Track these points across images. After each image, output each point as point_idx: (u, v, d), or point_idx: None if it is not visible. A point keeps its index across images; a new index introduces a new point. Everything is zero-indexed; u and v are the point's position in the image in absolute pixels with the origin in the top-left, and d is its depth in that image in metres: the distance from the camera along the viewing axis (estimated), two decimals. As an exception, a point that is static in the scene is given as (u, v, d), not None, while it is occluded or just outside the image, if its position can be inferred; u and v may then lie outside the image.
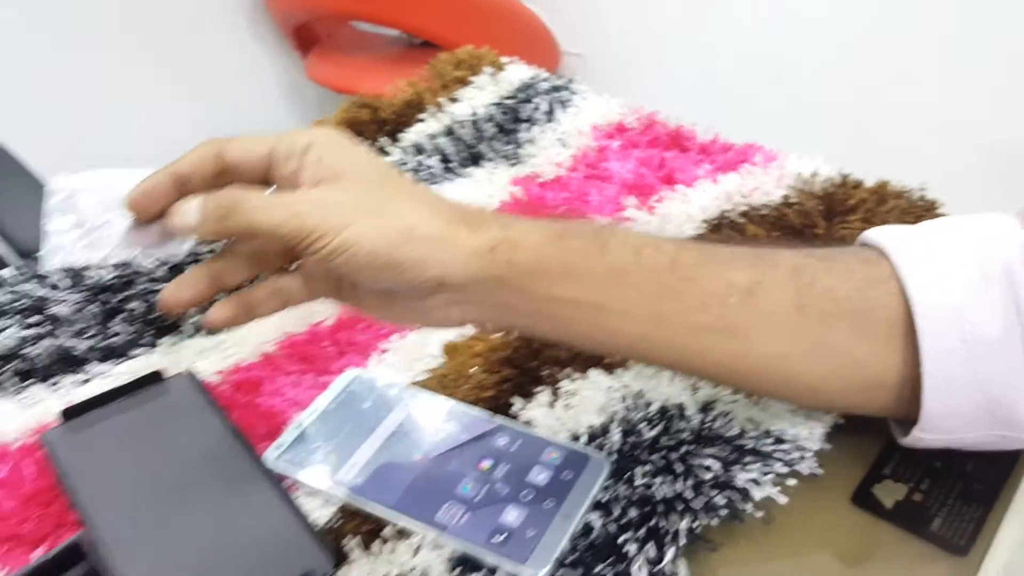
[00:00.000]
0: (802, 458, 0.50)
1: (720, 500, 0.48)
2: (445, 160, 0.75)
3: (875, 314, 0.45)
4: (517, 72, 0.85)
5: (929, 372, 0.43)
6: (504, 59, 0.87)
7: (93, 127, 1.61)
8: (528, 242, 0.44)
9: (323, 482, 0.49)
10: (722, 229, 0.66)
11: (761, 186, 0.70)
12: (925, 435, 0.46)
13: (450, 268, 0.42)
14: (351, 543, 0.46)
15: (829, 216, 0.66)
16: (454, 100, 0.82)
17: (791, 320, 0.45)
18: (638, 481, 0.48)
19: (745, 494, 0.48)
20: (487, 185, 0.72)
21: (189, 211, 0.42)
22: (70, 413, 0.52)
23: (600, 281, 0.44)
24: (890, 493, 0.50)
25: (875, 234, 0.49)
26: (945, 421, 0.45)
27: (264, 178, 0.45)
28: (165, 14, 1.71)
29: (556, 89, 0.83)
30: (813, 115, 1.67)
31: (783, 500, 0.49)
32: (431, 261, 0.42)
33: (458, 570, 0.44)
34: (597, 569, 0.44)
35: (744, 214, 0.68)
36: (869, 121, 1.66)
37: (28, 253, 0.89)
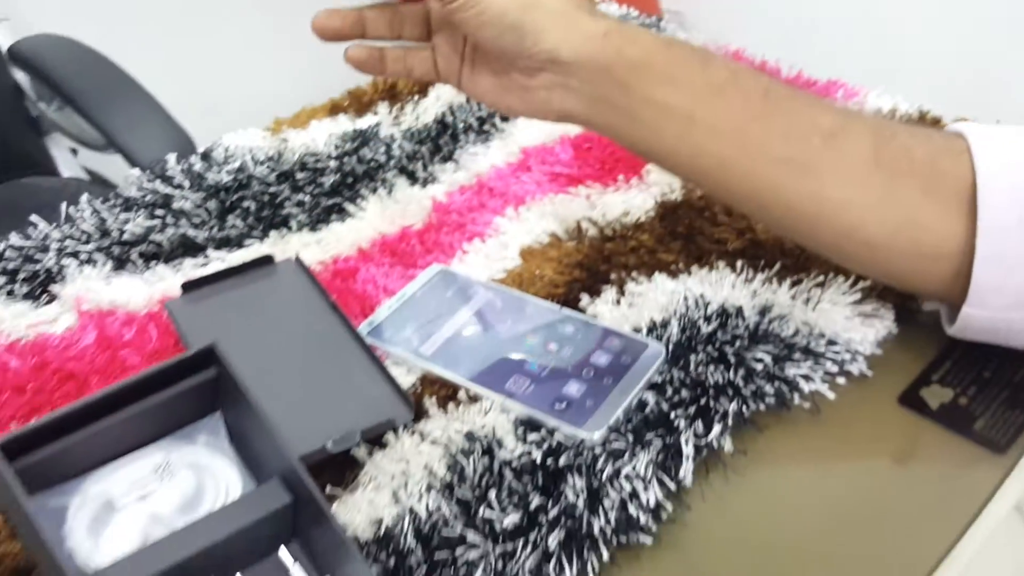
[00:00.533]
0: (853, 359, 0.53)
1: (769, 389, 0.51)
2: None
3: (945, 181, 0.47)
4: (610, 9, 0.89)
5: (983, 244, 0.46)
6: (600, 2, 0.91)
7: (219, 73, 1.71)
8: (639, 39, 0.48)
9: (407, 353, 0.54)
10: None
11: (838, 119, 0.72)
12: (973, 310, 0.48)
13: (565, 43, 0.47)
14: (429, 403, 0.52)
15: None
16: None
17: (866, 169, 0.47)
18: (692, 368, 0.52)
19: (794, 386, 0.51)
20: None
21: None
22: (189, 286, 0.59)
23: (697, 92, 0.48)
24: (937, 396, 0.52)
25: (959, 125, 0.51)
26: (995, 296, 0.47)
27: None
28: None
29: (647, 26, 0.86)
30: (918, 71, 1.64)
31: (831, 396, 0.52)
32: (551, 31, 0.47)
33: (521, 429, 0.49)
34: (647, 437, 0.48)
35: (819, 144, 0.70)
36: (981, 75, 1.62)
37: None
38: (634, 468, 0.47)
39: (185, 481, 0.42)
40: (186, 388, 0.42)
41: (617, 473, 0.47)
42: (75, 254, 0.64)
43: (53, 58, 1.25)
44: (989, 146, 0.47)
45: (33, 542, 0.38)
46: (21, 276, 0.63)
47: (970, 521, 0.46)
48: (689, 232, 0.63)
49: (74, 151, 1.40)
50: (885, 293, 0.56)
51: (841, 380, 0.53)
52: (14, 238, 0.66)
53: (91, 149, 1.35)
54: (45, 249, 0.65)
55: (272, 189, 0.70)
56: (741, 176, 0.49)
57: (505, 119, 0.76)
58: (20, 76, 1.31)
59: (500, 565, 0.43)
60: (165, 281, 0.62)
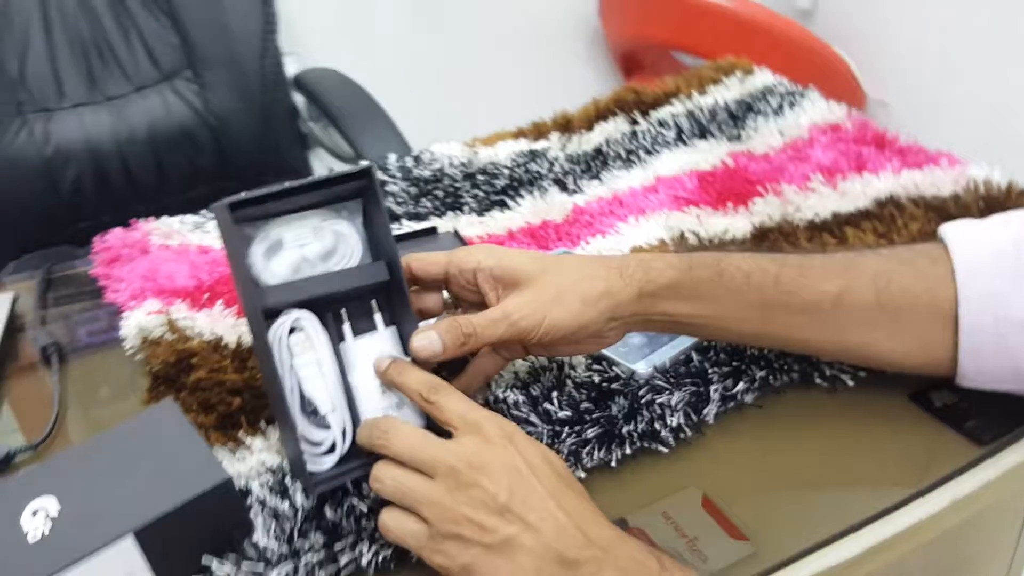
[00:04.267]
0: (876, 358, 0.64)
1: (796, 367, 0.64)
2: (679, 132, 0.95)
3: (942, 307, 0.57)
4: (763, 77, 1.04)
5: (963, 343, 0.57)
6: (756, 67, 1.06)
7: (447, 103, 2.00)
8: (664, 277, 0.58)
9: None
10: (886, 207, 0.80)
11: (936, 181, 0.82)
12: (964, 382, 0.59)
13: (617, 310, 0.59)
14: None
15: (984, 214, 0.77)
16: (703, 93, 1.02)
17: (874, 314, 0.58)
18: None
19: (819, 368, 0.64)
20: (706, 154, 0.92)
21: (434, 342, 0.55)
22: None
23: (720, 301, 0.59)
24: (942, 398, 0.63)
25: (947, 229, 0.61)
26: (978, 377, 0.58)
27: (440, 286, 0.61)
28: (523, 27, 2.08)
29: (791, 93, 1.00)
30: None
31: (850, 383, 0.64)
32: (605, 312, 0.58)
33: (590, 360, 0.65)
34: (685, 383, 0.63)
35: (912, 199, 0.81)
36: None
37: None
38: (668, 400, 0.61)
39: (328, 240, 0.59)
40: (345, 184, 0.59)
41: (652, 401, 0.61)
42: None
43: (326, 87, 1.56)
44: (966, 264, 0.57)
45: (234, 251, 0.56)
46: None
47: (937, 483, 0.57)
48: (772, 248, 0.76)
49: (331, 169, 1.71)
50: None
51: (862, 374, 0.64)
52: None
53: (342, 161, 1.65)
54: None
55: (457, 184, 0.90)
56: (773, 339, 0.61)
57: (649, 152, 0.93)
58: (298, 99, 1.64)
59: (549, 441, 0.59)
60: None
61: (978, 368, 0.58)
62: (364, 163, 0.79)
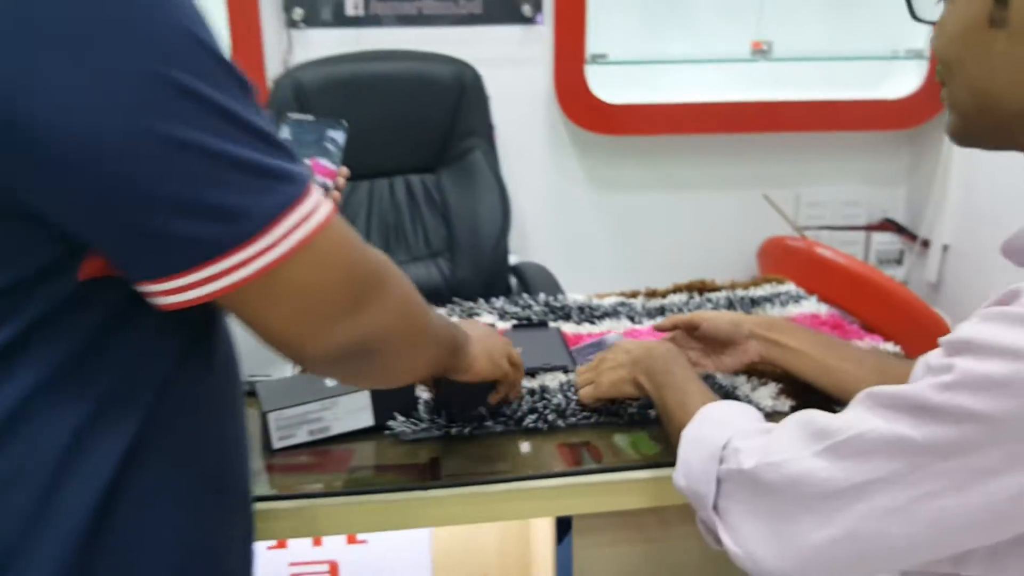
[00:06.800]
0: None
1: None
2: (715, 306, 1.54)
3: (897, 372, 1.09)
4: (786, 287, 1.60)
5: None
6: (786, 280, 1.63)
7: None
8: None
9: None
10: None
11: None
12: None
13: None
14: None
15: None
16: (746, 289, 1.60)
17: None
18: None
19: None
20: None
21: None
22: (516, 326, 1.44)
23: (816, 342, 1.16)
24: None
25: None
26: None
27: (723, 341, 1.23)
28: (695, 262, 2.73)
29: (796, 296, 1.56)
30: None
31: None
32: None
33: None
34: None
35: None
36: None
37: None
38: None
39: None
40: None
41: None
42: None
43: (531, 274, 2.28)
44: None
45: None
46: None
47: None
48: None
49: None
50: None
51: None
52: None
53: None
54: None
55: (571, 309, 1.54)
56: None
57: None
58: (512, 281, 2.36)
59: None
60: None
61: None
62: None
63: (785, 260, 2.62)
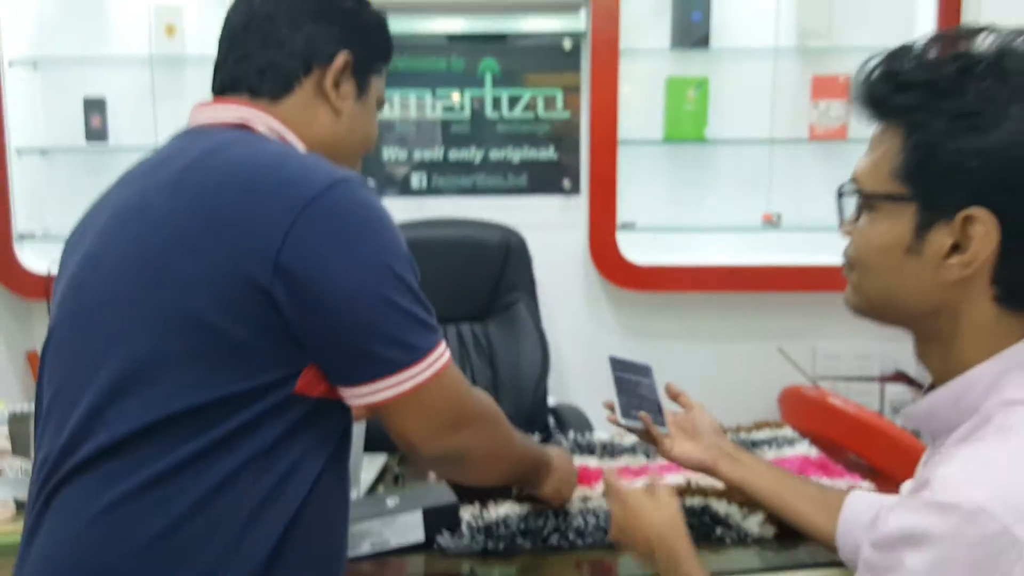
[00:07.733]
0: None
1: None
2: (720, 447, 1.78)
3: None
4: (783, 431, 1.84)
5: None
6: (784, 425, 1.86)
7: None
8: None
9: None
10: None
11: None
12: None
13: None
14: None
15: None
16: (748, 432, 1.84)
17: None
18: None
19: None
20: (728, 458, 1.73)
21: None
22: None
23: (769, 471, 1.40)
24: (761, 552, 1.36)
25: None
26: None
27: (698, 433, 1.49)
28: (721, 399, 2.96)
29: (789, 440, 1.79)
30: None
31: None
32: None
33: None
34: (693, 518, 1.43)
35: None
36: None
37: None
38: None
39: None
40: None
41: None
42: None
43: (567, 416, 2.54)
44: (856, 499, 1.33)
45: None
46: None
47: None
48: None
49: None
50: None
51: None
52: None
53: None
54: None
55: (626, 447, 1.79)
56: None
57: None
58: (551, 420, 2.61)
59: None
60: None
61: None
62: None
63: (801, 407, 2.84)
